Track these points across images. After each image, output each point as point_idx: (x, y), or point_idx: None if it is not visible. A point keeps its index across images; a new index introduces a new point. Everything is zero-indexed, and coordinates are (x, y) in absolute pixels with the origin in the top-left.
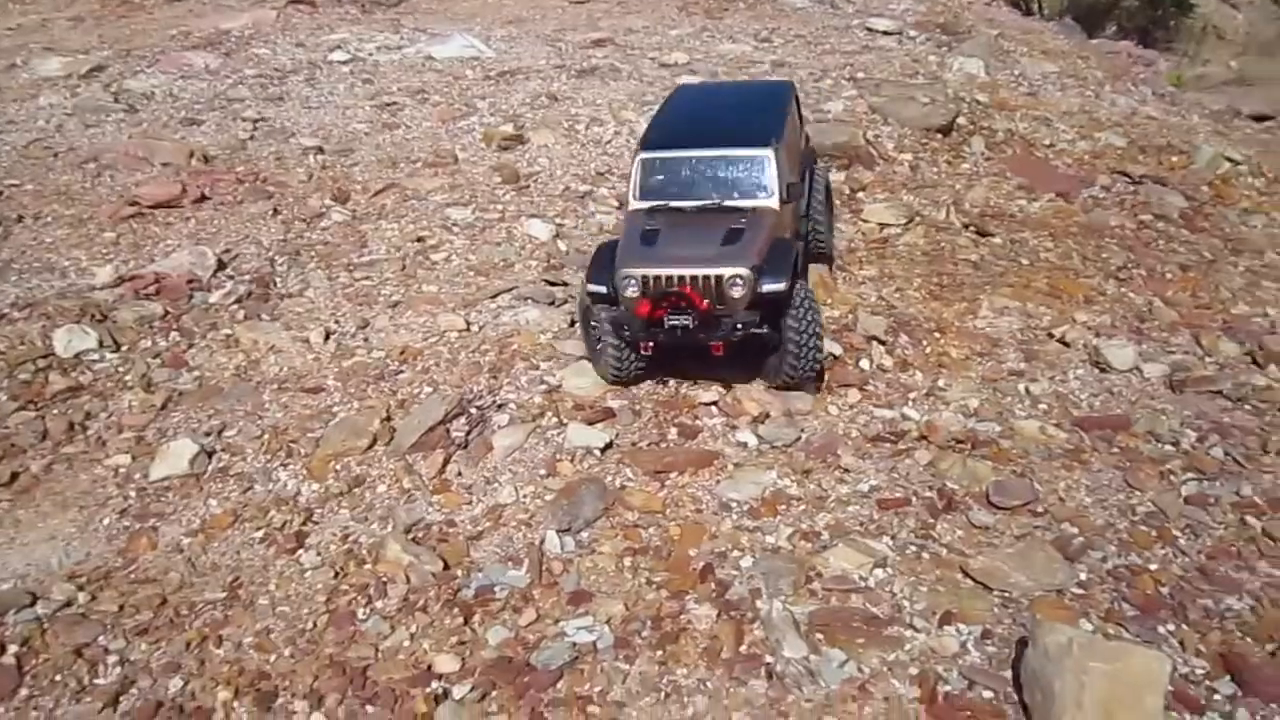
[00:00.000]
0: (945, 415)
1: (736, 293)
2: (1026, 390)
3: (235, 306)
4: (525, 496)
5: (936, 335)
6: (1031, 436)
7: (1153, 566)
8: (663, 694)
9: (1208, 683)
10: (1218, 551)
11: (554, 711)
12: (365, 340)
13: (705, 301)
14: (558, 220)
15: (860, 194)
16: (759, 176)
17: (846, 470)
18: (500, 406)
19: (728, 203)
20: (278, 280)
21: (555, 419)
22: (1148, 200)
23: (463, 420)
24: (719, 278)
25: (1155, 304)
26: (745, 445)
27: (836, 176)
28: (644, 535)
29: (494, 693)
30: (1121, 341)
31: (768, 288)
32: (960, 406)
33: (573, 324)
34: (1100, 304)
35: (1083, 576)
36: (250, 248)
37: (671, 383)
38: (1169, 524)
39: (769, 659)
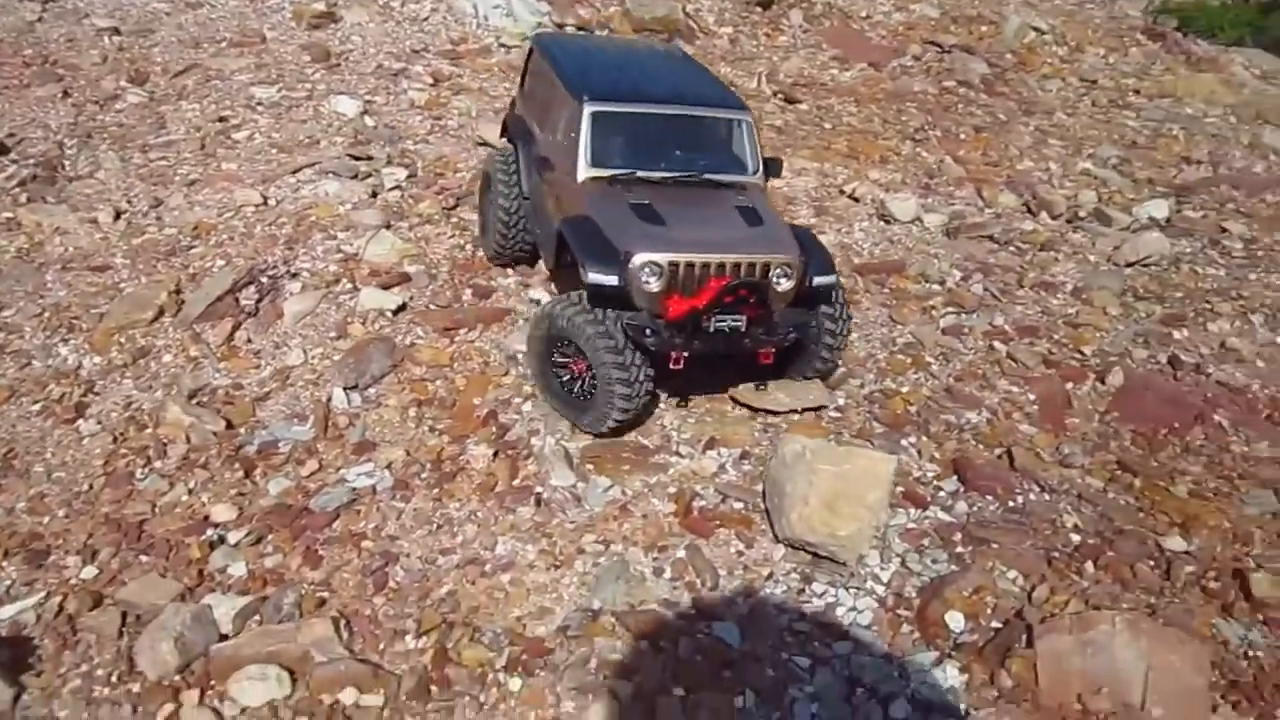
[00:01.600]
0: None
1: (784, 285)
2: None
3: (18, 190)
4: (314, 358)
5: None
6: None
7: (905, 389)
8: (435, 526)
9: (936, 483)
10: (965, 374)
11: (328, 548)
12: (158, 218)
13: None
14: (367, 97)
15: None
16: (740, 146)
17: None
18: (294, 275)
19: (709, 176)
20: (66, 163)
21: (350, 285)
22: (952, 68)
23: (253, 289)
24: (765, 266)
25: (946, 162)
26: (538, 302)
27: None
28: (430, 388)
29: (270, 536)
30: (906, 195)
31: (819, 281)
32: None
33: (374, 195)
34: (894, 163)
35: (841, 401)
36: (37, 131)
37: (469, 246)
38: (924, 352)
39: (539, 489)
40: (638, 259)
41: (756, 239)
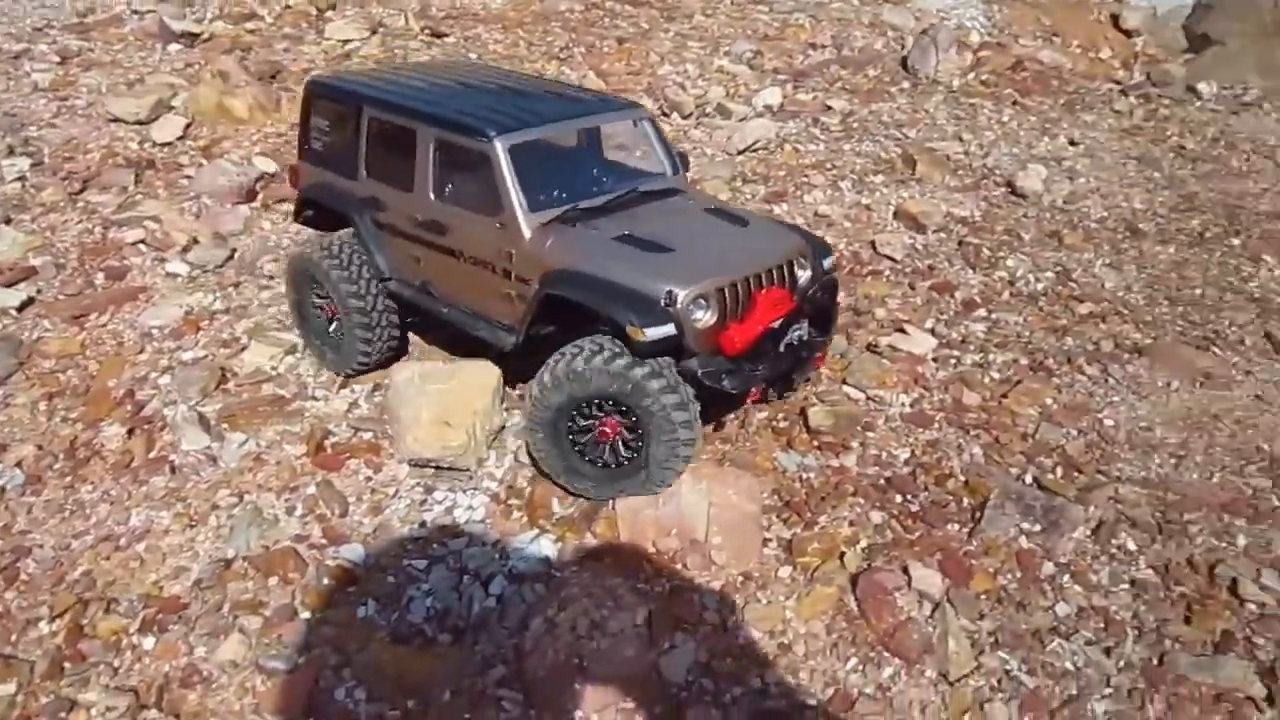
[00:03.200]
0: None
1: (804, 275)
2: None
3: None
4: None
5: None
6: None
7: None
8: (68, 512)
9: None
10: None
11: None
12: None
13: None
14: None
15: (329, 13)
16: (652, 146)
17: (270, 277)
18: None
19: (642, 188)
20: None
21: None
22: None
23: None
24: (790, 263)
25: (589, 76)
26: (176, 275)
27: None
28: (62, 379)
29: None
30: None
31: (828, 262)
32: None
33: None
34: None
35: None
36: None
37: (98, 229)
38: None
39: (173, 457)
40: (683, 295)
41: (762, 236)
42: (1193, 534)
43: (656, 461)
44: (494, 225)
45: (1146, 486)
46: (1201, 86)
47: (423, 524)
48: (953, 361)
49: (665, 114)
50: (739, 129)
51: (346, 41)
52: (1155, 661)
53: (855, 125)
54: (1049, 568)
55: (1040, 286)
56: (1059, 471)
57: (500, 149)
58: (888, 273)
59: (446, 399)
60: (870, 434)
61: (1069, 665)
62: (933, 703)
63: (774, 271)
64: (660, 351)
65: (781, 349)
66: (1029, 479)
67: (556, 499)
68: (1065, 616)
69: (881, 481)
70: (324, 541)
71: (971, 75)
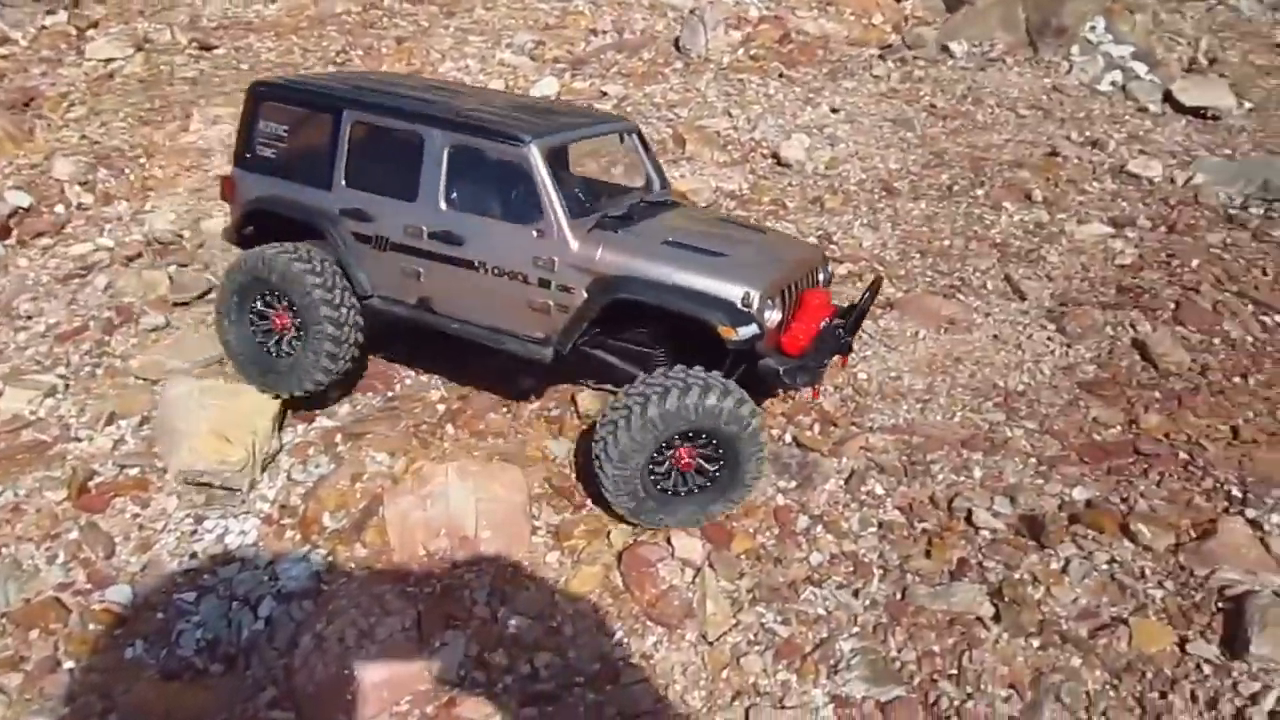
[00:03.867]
0: (149, 230)
1: (824, 281)
2: None
3: None
4: None
5: (143, 161)
6: (211, 232)
7: None
8: None
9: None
10: None
11: None
12: None
13: None
14: None
15: (91, 31)
16: (638, 158)
17: (27, 317)
18: None
19: (647, 199)
20: None
21: None
22: None
23: None
24: (816, 270)
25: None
26: None
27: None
28: None
29: None
30: None
31: (829, 271)
32: (166, 219)
33: None
34: None
35: None
36: None
37: None
38: None
39: None
40: (758, 296)
41: (788, 244)
42: (935, 472)
43: (745, 477)
44: (529, 234)
45: (895, 433)
46: (954, 45)
47: (194, 555)
48: None
49: None
50: None
51: (109, 60)
52: (898, 596)
53: (629, 109)
54: (804, 521)
55: None
56: (816, 429)
57: (537, 154)
58: None
59: (227, 415)
60: None
61: (820, 610)
62: (693, 664)
63: (810, 275)
64: (745, 352)
65: (837, 345)
66: (788, 439)
67: (328, 514)
68: (818, 565)
69: None
70: (89, 586)
71: (741, 51)
